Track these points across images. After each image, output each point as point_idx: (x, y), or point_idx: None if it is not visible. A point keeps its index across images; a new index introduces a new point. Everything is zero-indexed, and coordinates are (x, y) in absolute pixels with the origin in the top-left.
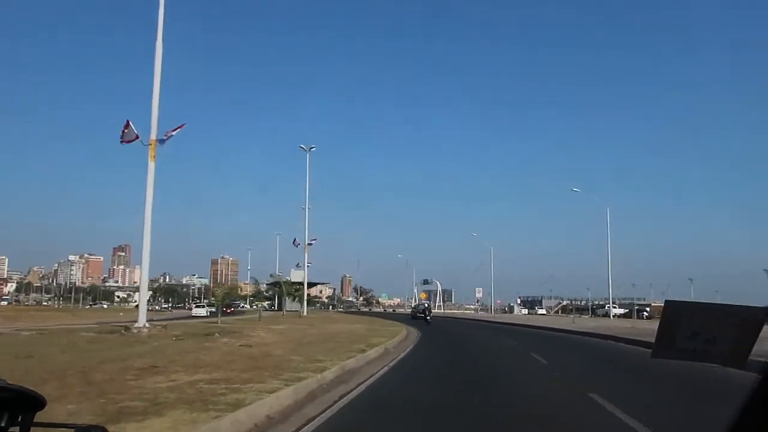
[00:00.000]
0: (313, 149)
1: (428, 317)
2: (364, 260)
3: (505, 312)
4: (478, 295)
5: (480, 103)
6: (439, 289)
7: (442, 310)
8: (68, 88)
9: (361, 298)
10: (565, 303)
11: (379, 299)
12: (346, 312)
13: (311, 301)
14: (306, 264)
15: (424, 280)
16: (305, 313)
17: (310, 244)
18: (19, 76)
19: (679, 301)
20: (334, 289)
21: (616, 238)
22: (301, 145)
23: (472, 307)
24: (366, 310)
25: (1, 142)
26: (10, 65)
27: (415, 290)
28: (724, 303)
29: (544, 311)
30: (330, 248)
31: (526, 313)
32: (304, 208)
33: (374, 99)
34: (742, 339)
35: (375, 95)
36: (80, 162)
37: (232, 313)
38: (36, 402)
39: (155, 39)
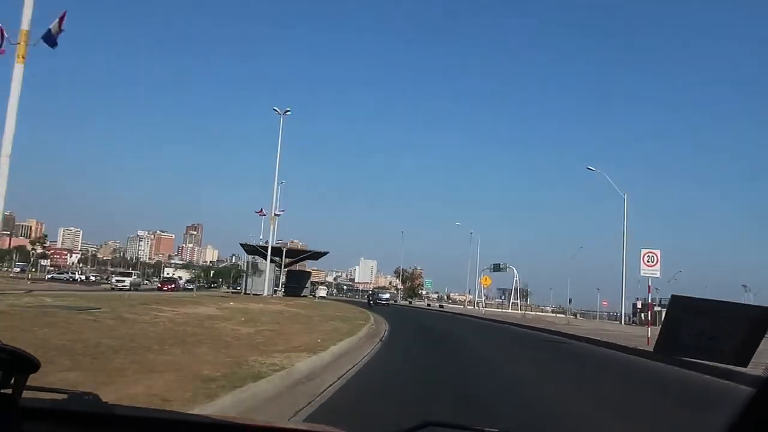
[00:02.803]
0: (288, 113)
1: (371, 302)
2: (434, 250)
3: (634, 323)
4: (649, 268)
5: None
6: (516, 278)
7: (519, 310)
8: None
9: (401, 286)
10: None
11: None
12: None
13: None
14: (274, 212)
15: (495, 265)
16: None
17: (277, 215)
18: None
19: (686, 297)
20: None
21: None
22: (275, 108)
23: (549, 309)
24: (407, 303)
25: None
26: None
27: (477, 277)
28: (732, 301)
29: None
30: (396, 241)
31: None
32: (280, 182)
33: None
34: (748, 338)
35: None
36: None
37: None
38: (30, 364)
39: None
